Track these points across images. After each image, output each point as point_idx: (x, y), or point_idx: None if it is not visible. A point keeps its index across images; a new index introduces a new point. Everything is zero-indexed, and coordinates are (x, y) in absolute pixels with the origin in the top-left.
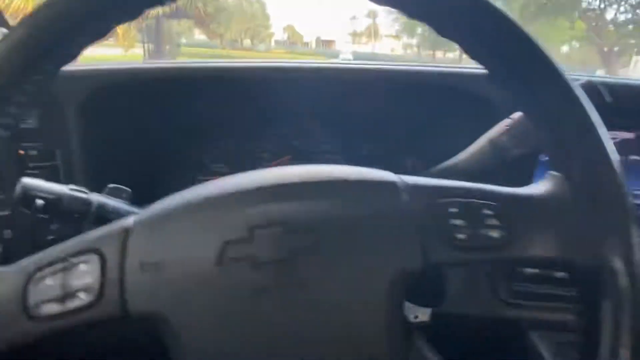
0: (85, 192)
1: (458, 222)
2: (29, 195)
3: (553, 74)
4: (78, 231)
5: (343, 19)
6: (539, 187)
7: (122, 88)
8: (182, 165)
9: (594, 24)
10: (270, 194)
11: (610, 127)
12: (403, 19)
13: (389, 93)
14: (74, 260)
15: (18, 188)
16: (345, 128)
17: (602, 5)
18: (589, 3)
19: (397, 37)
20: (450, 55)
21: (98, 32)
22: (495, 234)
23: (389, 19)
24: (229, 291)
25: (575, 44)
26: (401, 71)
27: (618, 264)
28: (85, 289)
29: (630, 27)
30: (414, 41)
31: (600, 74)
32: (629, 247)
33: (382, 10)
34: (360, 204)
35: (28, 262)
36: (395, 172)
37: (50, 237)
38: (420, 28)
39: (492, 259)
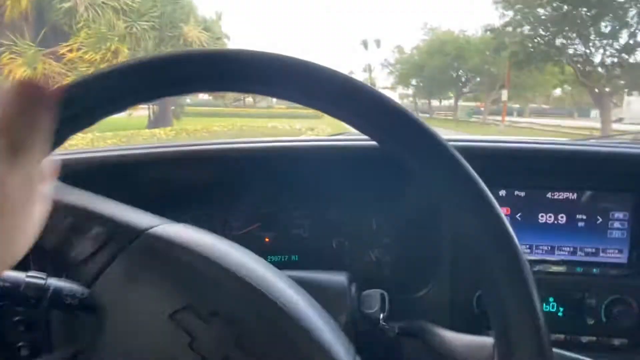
0: (43, 278)
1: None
2: None
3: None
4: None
5: None
6: None
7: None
8: None
9: (582, 68)
10: None
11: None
12: (397, 73)
13: (352, 164)
14: None
15: None
16: (312, 194)
17: (588, 51)
18: (575, 49)
19: (392, 88)
20: (445, 102)
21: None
22: None
23: (383, 72)
24: None
25: (567, 87)
26: (363, 147)
27: None
28: None
29: (618, 69)
30: (410, 91)
31: (594, 114)
32: None
33: (377, 64)
34: None
35: None
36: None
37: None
38: (414, 80)
39: None
